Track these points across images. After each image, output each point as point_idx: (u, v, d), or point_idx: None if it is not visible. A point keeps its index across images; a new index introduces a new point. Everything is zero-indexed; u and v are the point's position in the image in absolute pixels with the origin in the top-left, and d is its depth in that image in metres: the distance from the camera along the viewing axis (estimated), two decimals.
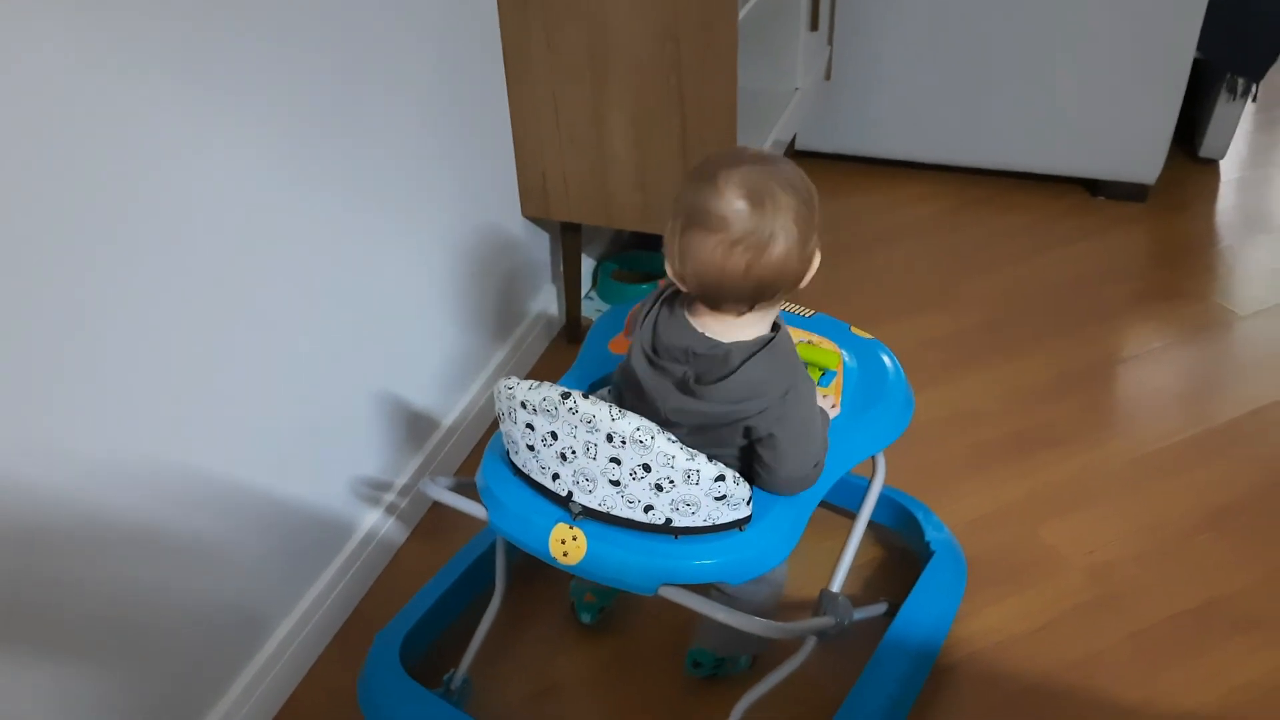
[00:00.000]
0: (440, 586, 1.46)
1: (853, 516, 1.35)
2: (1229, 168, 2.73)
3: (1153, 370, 2.00)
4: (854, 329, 1.40)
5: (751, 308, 1.07)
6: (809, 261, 1.07)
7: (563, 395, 1.05)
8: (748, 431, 1.10)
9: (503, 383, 1.12)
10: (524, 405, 1.09)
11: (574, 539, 1.11)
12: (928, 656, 1.40)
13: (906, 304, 2.20)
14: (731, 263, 1.01)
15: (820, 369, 1.31)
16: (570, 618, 1.50)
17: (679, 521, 1.08)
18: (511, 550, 1.35)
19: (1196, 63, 2.34)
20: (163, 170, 1.07)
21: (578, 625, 1.49)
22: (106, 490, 1.07)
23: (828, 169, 2.72)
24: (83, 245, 0.99)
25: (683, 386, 1.10)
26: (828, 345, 1.34)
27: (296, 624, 1.41)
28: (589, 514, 1.11)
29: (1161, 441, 1.79)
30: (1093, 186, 2.59)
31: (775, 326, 1.12)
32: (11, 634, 0.99)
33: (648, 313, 1.13)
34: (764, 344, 1.08)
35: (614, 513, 1.10)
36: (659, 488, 1.05)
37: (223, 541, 1.26)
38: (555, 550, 1.12)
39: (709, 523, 1.08)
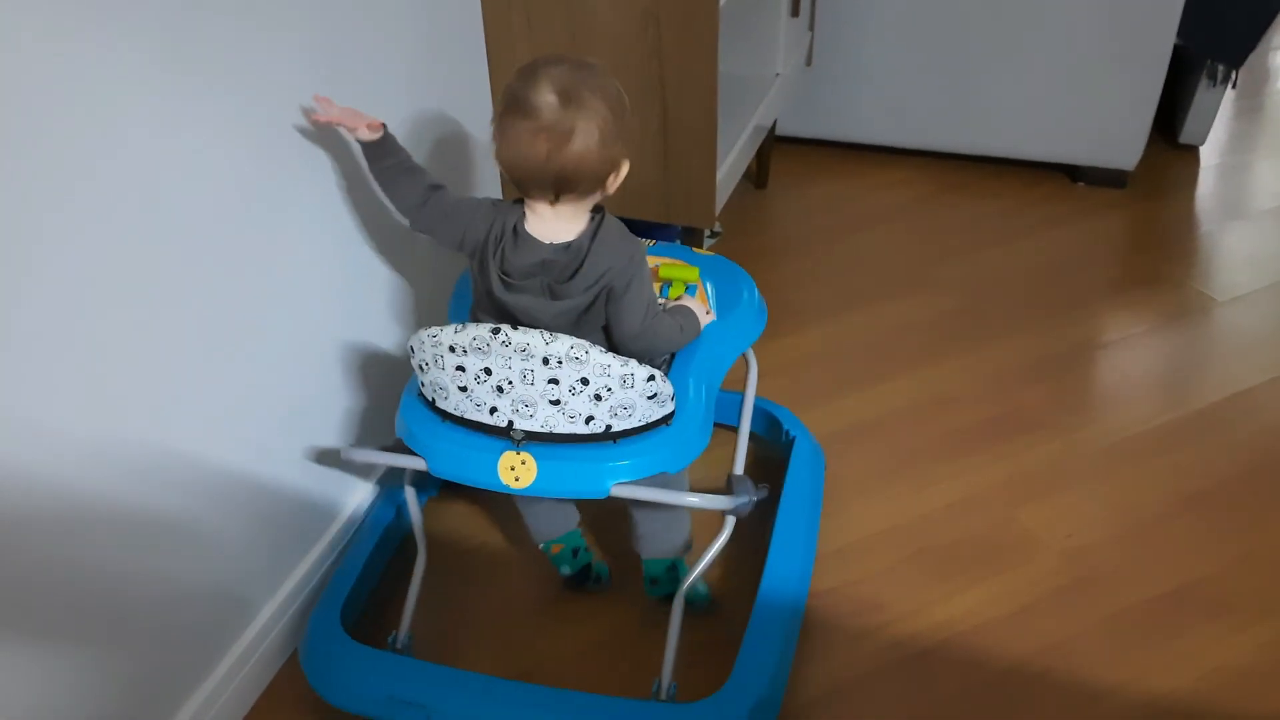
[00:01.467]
0: (360, 555, 1.48)
1: (734, 430, 1.48)
2: (1208, 154, 2.75)
3: (1130, 355, 2.02)
4: (694, 249, 1.56)
5: (558, 197, 1.18)
6: (613, 165, 1.19)
7: (493, 331, 1.13)
8: (607, 298, 1.21)
9: (424, 332, 1.19)
10: (452, 349, 1.17)
11: (523, 463, 1.19)
12: (813, 523, 1.56)
13: (884, 288, 2.21)
14: (534, 149, 1.14)
15: (683, 284, 1.43)
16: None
17: (618, 426, 1.19)
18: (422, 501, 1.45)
19: (1176, 49, 2.35)
20: (144, 147, 1.06)
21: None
22: (87, 472, 1.06)
23: (808, 154, 2.73)
24: (62, 225, 0.98)
25: (550, 293, 1.21)
26: (683, 264, 1.47)
27: (280, 606, 1.41)
28: (531, 438, 1.20)
29: (1138, 426, 1.81)
30: (1072, 172, 2.60)
31: (598, 210, 1.24)
32: None
33: (496, 249, 1.22)
34: (597, 225, 1.21)
35: (556, 431, 1.20)
36: (598, 398, 1.16)
37: (206, 524, 1.26)
38: (506, 478, 1.19)
39: (643, 422, 1.20)
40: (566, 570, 1.49)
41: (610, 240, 1.21)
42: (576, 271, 1.20)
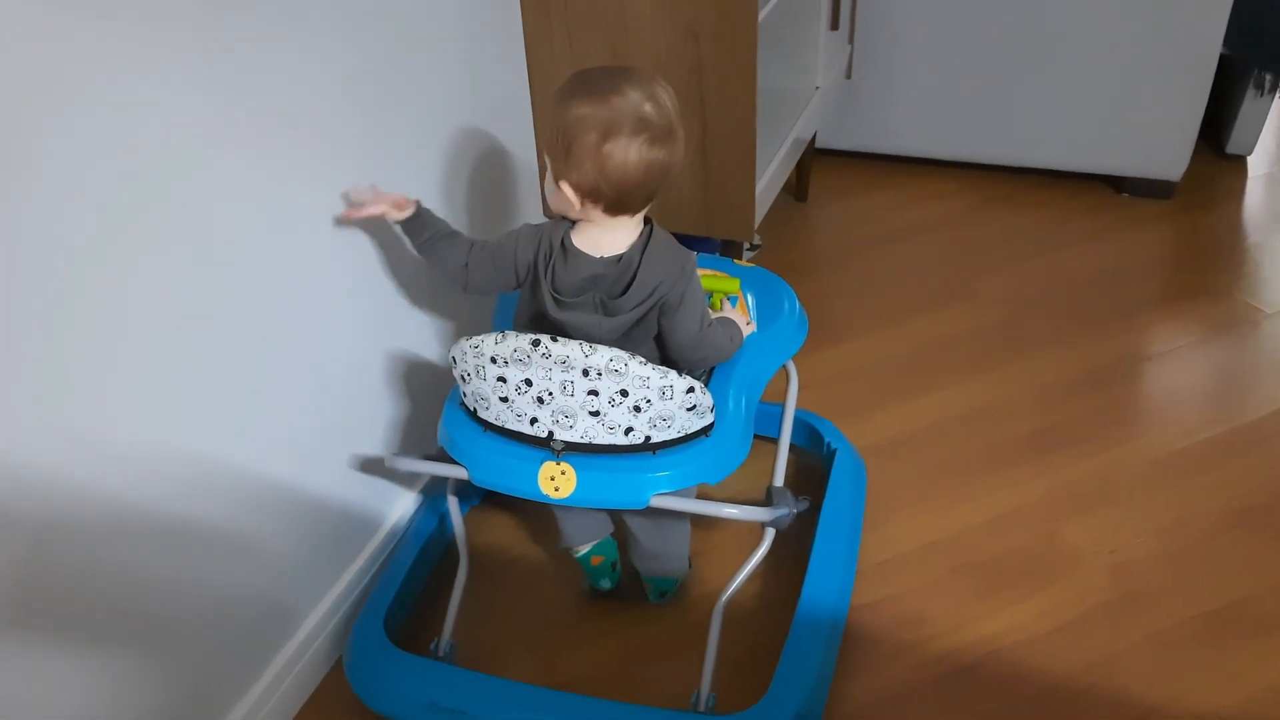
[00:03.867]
0: (403, 564, 1.50)
1: (774, 442, 1.49)
2: (1256, 164, 2.71)
3: (1177, 368, 1.99)
4: (735, 260, 1.58)
5: (648, 203, 1.20)
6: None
7: (533, 342, 1.14)
8: (661, 312, 1.22)
9: (466, 342, 1.19)
10: (494, 359, 1.18)
11: (562, 473, 1.21)
12: (854, 536, 1.57)
13: (926, 300, 2.20)
14: (649, 157, 1.14)
15: (724, 295, 1.44)
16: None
17: (657, 437, 1.20)
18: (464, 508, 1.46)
19: (1223, 58, 2.33)
20: (194, 163, 1.09)
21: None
22: (135, 482, 1.09)
23: (848, 166, 2.72)
24: (109, 234, 1.01)
25: (603, 309, 1.21)
26: (724, 275, 1.48)
27: (325, 614, 1.43)
28: (571, 448, 1.21)
29: (1185, 440, 1.78)
30: (1117, 183, 2.57)
31: (646, 221, 1.24)
32: (37, 623, 1.01)
33: (546, 267, 1.23)
34: (647, 237, 1.22)
35: (596, 442, 1.21)
36: (637, 409, 1.17)
37: (252, 534, 1.28)
38: (546, 488, 1.21)
39: (682, 433, 1.21)
40: (606, 585, 1.50)
41: (660, 252, 1.21)
42: (629, 286, 1.20)
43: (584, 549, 1.46)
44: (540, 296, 1.24)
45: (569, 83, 1.19)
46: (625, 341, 1.23)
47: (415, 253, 1.37)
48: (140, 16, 0.99)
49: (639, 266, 1.20)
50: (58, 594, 1.02)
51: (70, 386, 0.99)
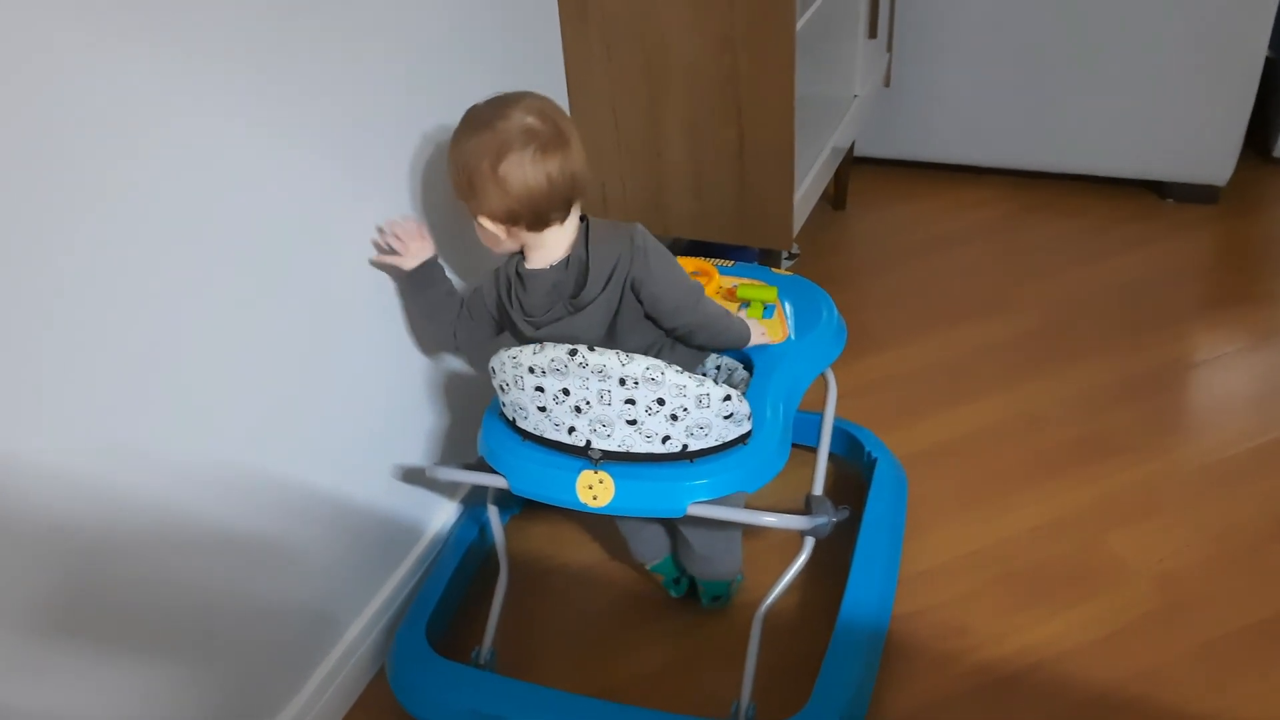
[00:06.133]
0: (445, 572, 1.51)
1: (813, 450, 1.48)
2: None
3: (1222, 376, 1.96)
4: (773, 269, 1.57)
5: (568, 211, 1.21)
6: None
7: (570, 352, 1.15)
8: (634, 289, 1.21)
9: (504, 353, 1.20)
10: (532, 370, 1.19)
11: (600, 482, 1.21)
12: (895, 545, 1.56)
13: (966, 308, 2.18)
14: (545, 168, 1.15)
15: (761, 304, 1.44)
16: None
17: (694, 445, 1.20)
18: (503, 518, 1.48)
19: (1268, 61, 2.29)
20: (243, 182, 1.11)
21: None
22: (183, 493, 1.11)
23: (887, 175, 2.71)
24: (164, 254, 1.03)
25: (571, 309, 1.22)
26: (762, 283, 1.49)
27: (368, 622, 1.45)
28: (608, 457, 1.22)
29: (1231, 448, 1.75)
30: (1160, 189, 2.54)
31: (581, 218, 1.25)
32: (91, 631, 1.04)
33: (509, 298, 1.26)
34: (586, 229, 1.23)
35: (633, 450, 1.21)
36: (674, 417, 1.17)
37: (296, 543, 1.30)
38: (584, 496, 1.22)
39: (720, 441, 1.21)
40: (674, 593, 1.53)
41: (602, 235, 1.22)
42: (585, 277, 1.21)
43: (654, 563, 1.50)
44: (516, 326, 1.27)
45: (460, 123, 1.21)
46: (614, 335, 1.25)
47: (417, 310, 1.39)
48: (199, 45, 1.01)
49: (588, 257, 1.21)
50: (111, 603, 1.05)
51: (124, 402, 1.01)
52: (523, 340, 1.27)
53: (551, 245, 1.23)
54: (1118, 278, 2.26)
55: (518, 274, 1.25)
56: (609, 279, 1.21)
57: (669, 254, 1.26)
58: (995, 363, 2.01)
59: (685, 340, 1.30)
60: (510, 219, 1.19)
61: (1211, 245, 2.38)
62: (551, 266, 1.23)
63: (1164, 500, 1.66)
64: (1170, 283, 2.24)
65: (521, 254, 1.26)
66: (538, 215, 1.19)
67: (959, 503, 1.68)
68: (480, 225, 1.22)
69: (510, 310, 1.26)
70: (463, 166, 1.19)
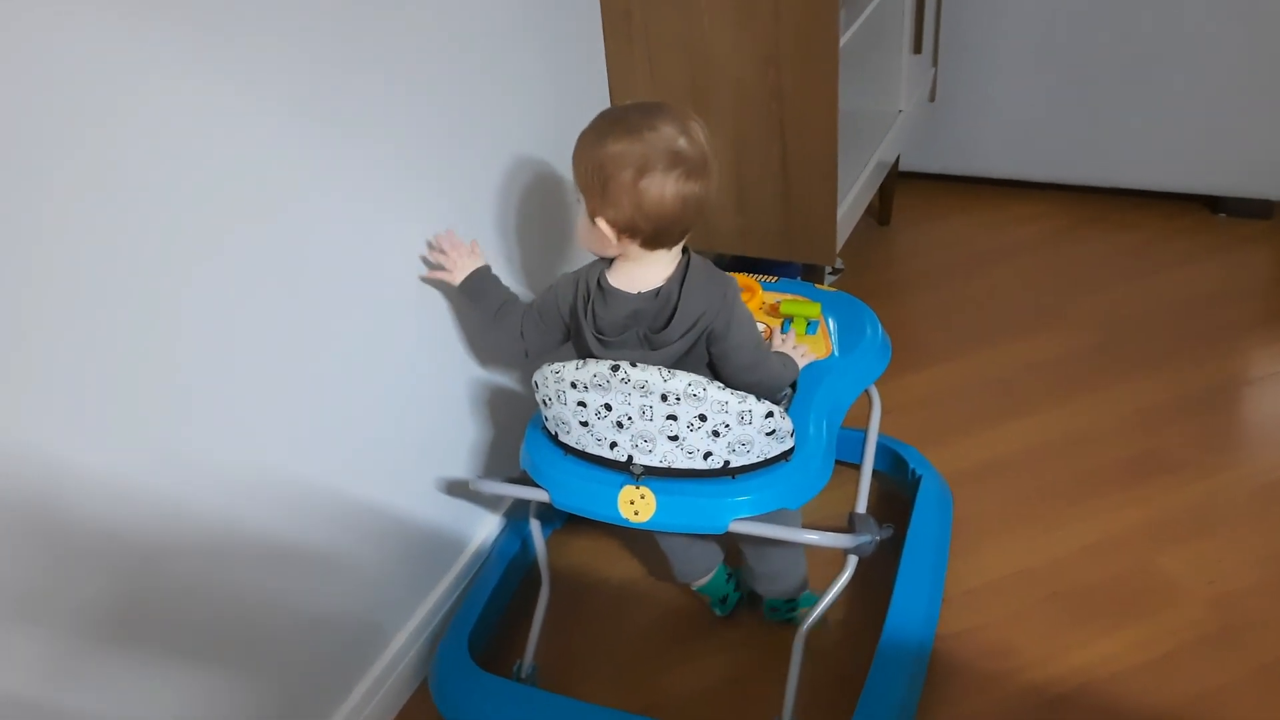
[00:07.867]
0: (487, 586, 1.52)
1: (856, 468, 1.45)
2: None
3: (1276, 393, 1.92)
4: (817, 285, 1.58)
5: (684, 237, 1.21)
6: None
7: (612, 368, 1.15)
8: (709, 340, 1.21)
9: (547, 368, 1.20)
10: (574, 385, 1.19)
11: (641, 498, 1.21)
12: (940, 563, 1.54)
13: (1014, 324, 2.16)
14: (688, 191, 1.15)
15: (805, 320, 1.44)
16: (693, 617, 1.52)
17: (736, 462, 1.20)
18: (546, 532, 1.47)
19: None
20: (294, 196, 1.13)
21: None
22: (234, 504, 1.13)
23: (933, 190, 2.69)
24: (217, 268, 1.05)
25: (647, 344, 1.22)
26: (805, 299, 1.48)
27: (412, 634, 1.46)
28: (650, 472, 1.22)
29: None
30: (1214, 204, 2.50)
31: (684, 250, 1.24)
32: (144, 638, 1.06)
33: (585, 308, 1.24)
34: (685, 266, 1.21)
35: (675, 466, 1.21)
36: (716, 434, 1.17)
37: (343, 554, 1.32)
38: (626, 511, 1.22)
39: (762, 458, 1.20)
40: (719, 612, 1.53)
41: (700, 281, 1.21)
42: (671, 318, 1.20)
43: (699, 583, 1.49)
44: (584, 339, 1.25)
45: (601, 121, 1.19)
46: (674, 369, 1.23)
47: (480, 322, 1.38)
48: (256, 56, 1.04)
49: (679, 298, 1.19)
50: (164, 610, 1.07)
51: (178, 414, 1.04)
52: (584, 353, 1.26)
53: (650, 266, 1.21)
54: (1169, 294, 2.22)
55: (600, 286, 1.24)
56: (692, 326, 1.20)
57: (750, 314, 1.25)
58: (1044, 379, 1.98)
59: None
60: (630, 231, 1.17)
61: (1266, 261, 2.34)
62: (639, 294, 1.21)
63: (1217, 520, 1.63)
64: (1223, 299, 2.19)
65: (607, 264, 1.25)
66: (658, 235, 1.18)
67: (1006, 521, 1.66)
68: (592, 224, 1.19)
69: (583, 321, 1.25)
70: (598, 168, 1.16)
